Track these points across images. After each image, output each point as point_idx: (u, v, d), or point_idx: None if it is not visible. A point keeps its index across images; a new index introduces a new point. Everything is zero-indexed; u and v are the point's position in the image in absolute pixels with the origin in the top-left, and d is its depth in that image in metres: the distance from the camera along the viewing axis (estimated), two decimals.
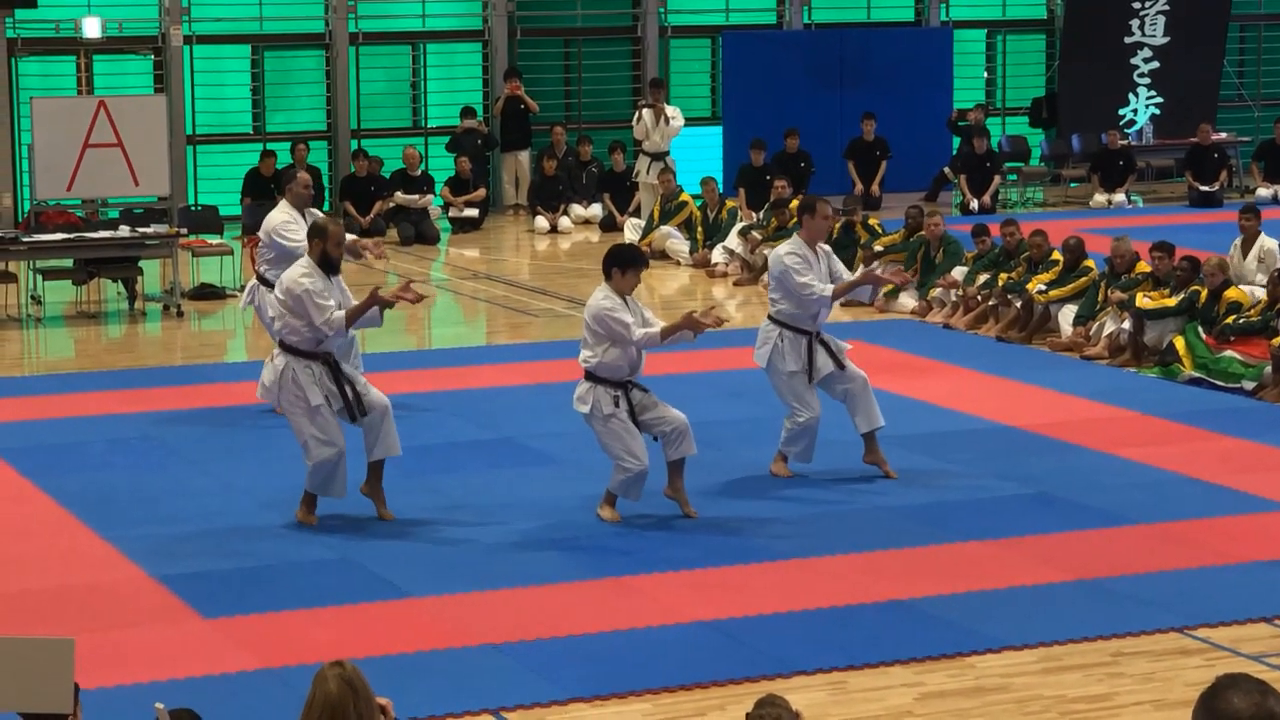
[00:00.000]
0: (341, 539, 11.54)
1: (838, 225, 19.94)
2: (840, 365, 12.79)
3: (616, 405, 11.72)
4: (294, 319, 11.69)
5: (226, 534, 11.65)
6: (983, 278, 18.67)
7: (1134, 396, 15.27)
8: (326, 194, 25.59)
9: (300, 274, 11.74)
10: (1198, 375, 15.76)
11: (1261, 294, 16.46)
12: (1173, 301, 16.52)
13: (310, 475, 11.80)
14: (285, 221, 14.63)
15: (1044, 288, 17.83)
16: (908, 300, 19.33)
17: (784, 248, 13.01)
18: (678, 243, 22.74)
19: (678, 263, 22.48)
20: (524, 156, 26.96)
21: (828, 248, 13.05)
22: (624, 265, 11.75)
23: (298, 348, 11.75)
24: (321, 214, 14.97)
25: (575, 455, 13.22)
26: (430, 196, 25.06)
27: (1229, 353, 15.74)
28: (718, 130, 27.54)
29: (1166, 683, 9.16)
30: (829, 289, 12.66)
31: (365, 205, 24.73)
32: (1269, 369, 15.33)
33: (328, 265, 11.77)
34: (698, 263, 22.33)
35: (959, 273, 19.07)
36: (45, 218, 21.08)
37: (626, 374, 11.76)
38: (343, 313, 11.66)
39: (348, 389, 11.73)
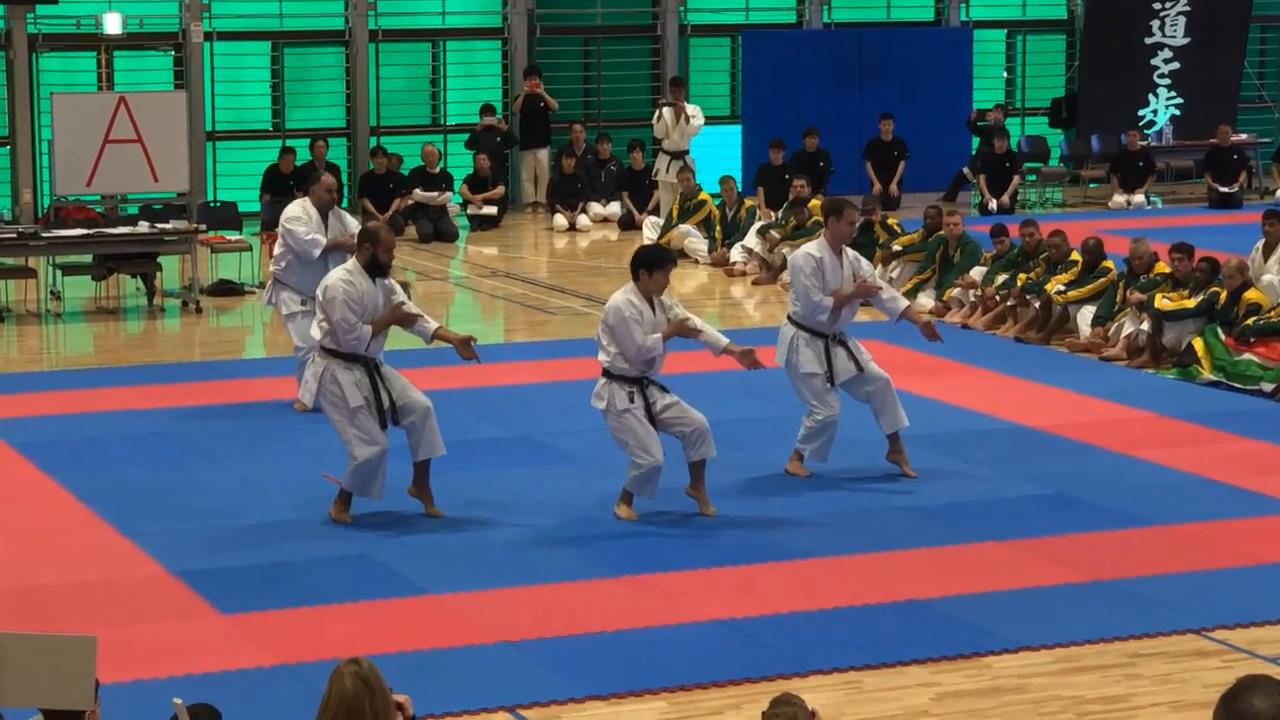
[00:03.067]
0: (359, 535, 11.55)
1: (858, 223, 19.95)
2: (860, 368, 12.79)
3: (631, 401, 11.75)
4: (329, 323, 11.71)
5: (244, 530, 11.67)
6: (1001, 278, 18.66)
7: (1152, 398, 15.26)
8: (346, 191, 25.62)
9: (340, 279, 11.75)
10: (1216, 377, 15.74)
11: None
12: (1192, 303, 16.51)
13: (351, 474, 11.77)
14: (295, 218, 14.65)
15: (1063, 288, 17.82)
16: (926, 300, 19.33)
17: (804, 248, 13.03)
18: (696, 241, 22.75)
19: (696, 261, 22.48)
20: (543, 154, 26.98)
21: (855, 253, 13.06)
22: (651, 266, 11.75)
23: (338, 351, 11.76)
24: (346, 214, 15.01)
25: (593, 453, 13.22)
26: (449, 194, 25.08)
27: (1248, 355, 15.72)
28: (737, 129, 27.55)
29: (1184, 684, 9.15)
30: (829, 300, 12.66)
31: (384, 203, 24.75)
32: None
33: (375, 269, 11.78)
34: (716, 261, 22.33)
35: (977, 273, 19.06)
36: (65, 213, 21.12)
37: (639, 372, 11.79)
38: (367, 329, 11.66)
39: (384, 396, 11.73)
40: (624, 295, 11.77)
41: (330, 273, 12.16)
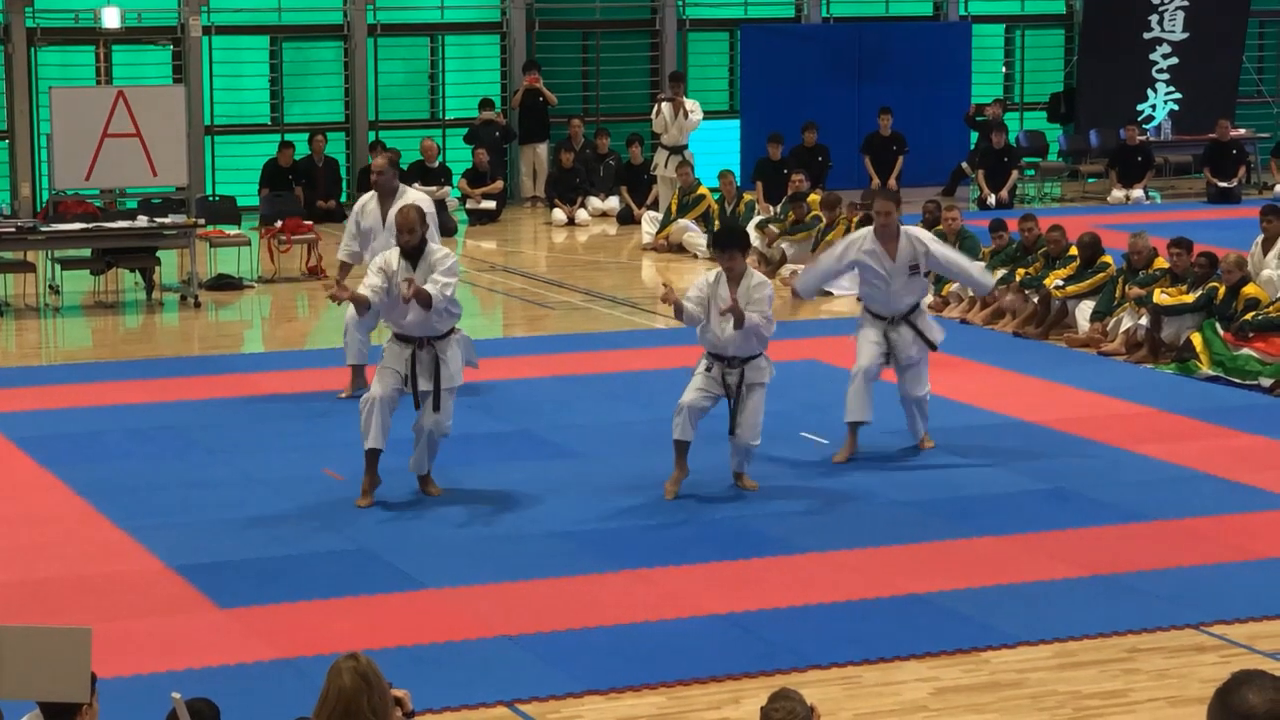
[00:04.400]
0: (358, 530, 11.56)
1: (855, 219, 19.98)
2: (931, 346, 13.42)
3: (708, 370, 12.36)
4: None
5: (243, 524, 11.67)
6: (1000, 273, 18.65)
7: (1151, 393, 15.26)
8: (345, 185, 25.65)
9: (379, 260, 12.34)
10: (1215, 372, 15.74)
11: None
12: (1190, 298, 16.50)
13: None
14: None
15: (1061, 283, 17.82)
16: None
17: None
18: (695, 236, 22.73)
19: (695, 256, 22.46)
20: (542, 149, 26.97)
21: (924, 234, 13.67)
22: (717, 248, 12.90)
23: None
24: (412, 190, 15.31)
25: (592, 448, 13.23)
26: (448, 188, 25.07)
27: (1246, 350, 15.72)
28: (735, 124, 27.53)
29: (1182, 679, 9.16)
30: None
31: None
32: None
33: (403, 251, 12.11)
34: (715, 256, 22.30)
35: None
36: (63, 207, 21.12)
37: (711, 348, 12.41)
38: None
39: (410, 381, 12.03)
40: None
41: None
